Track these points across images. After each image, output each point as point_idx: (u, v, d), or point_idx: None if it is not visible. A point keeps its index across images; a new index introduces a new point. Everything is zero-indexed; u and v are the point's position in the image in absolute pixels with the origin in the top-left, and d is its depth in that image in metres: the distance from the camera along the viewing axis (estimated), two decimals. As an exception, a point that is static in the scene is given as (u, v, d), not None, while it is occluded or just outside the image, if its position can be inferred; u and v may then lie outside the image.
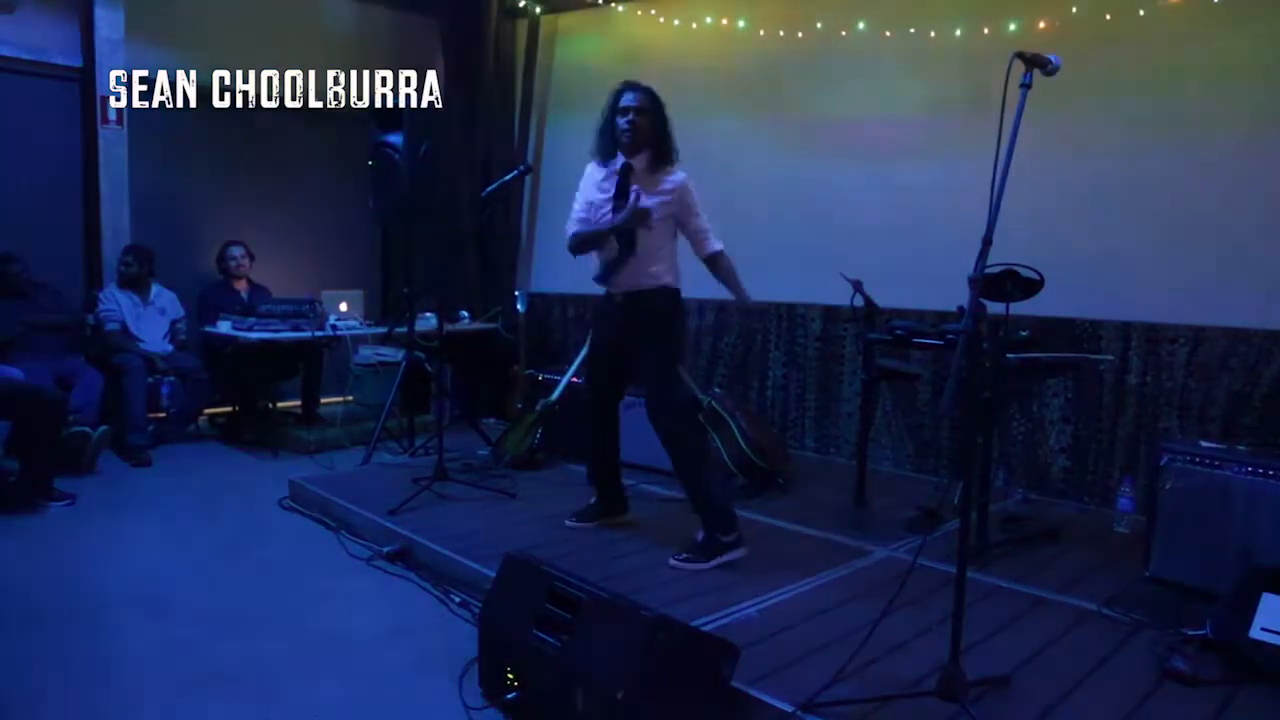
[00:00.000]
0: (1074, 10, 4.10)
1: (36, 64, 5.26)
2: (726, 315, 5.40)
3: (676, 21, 5.52)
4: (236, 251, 5.63)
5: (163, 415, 5.25)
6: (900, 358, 4.24)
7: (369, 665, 2.60)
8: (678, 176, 3.26)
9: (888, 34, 4.67)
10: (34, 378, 4.40)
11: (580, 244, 3.37)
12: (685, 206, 3.27)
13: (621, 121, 3.21)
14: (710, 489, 3.26)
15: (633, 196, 3.19)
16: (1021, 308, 3.26)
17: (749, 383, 5.36)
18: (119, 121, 5.42)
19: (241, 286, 5.66)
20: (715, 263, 3.35)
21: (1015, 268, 3.11)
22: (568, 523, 3.62)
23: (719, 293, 3.42)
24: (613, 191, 3.26)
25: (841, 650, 2.38)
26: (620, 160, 3.26)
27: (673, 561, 3.15)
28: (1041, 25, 4.19)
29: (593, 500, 3.66)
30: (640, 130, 3.20)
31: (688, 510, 3.35)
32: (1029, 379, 3.91)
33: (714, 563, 3.16)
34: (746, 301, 3.49)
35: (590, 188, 3.36)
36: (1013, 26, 4.27)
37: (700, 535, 3.23)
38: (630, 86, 3.26)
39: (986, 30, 4.35)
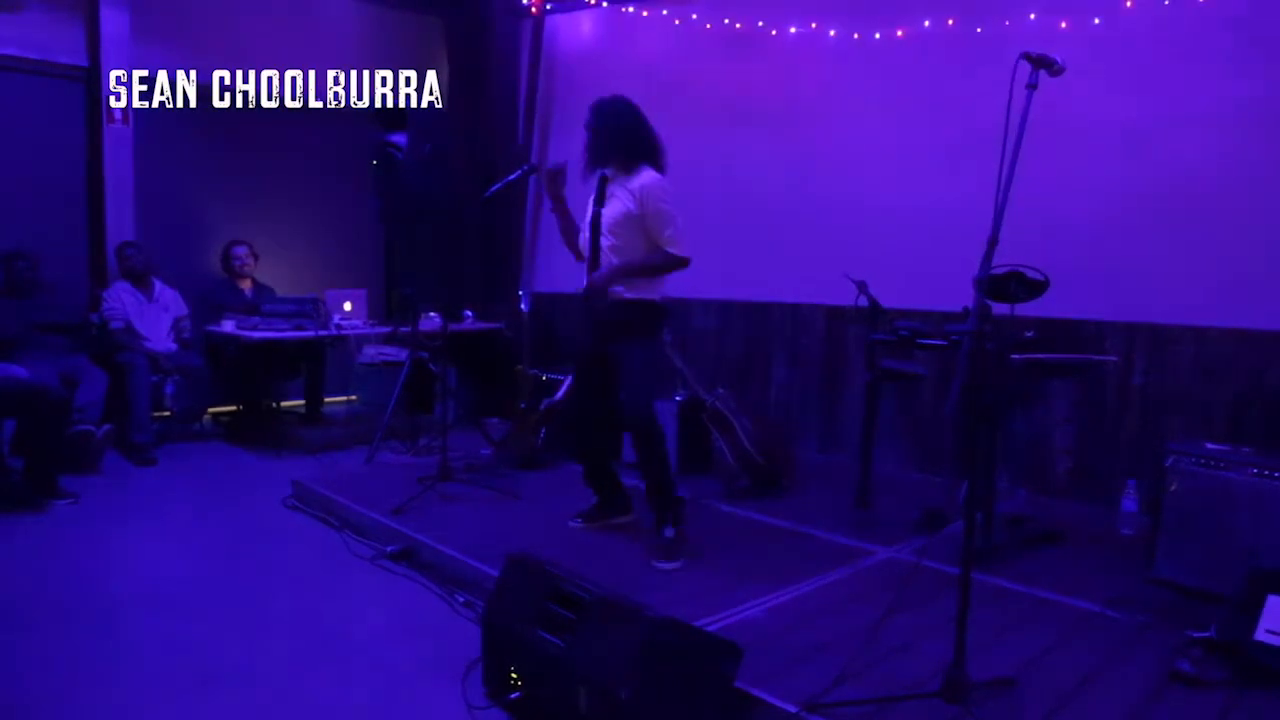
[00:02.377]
0: (1077, 9, 4.09)
1: (42, 63, 5.27)
2: (729, 316, 5.40)
3: (677, 22, 5.52)
4: (241, 251, 5.64)
5: (167, 414, 5.26)
6: (904, 359, 4.23)
7: (372, 665, 2.60)
8: (645, 177, 3.20)
9: (900, 33, 4.66)
10: (39, 377, 4.41)
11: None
12: (647, 207, 3.18)
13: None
14: (671, 483, 3.32)
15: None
16: (1026, 309, 3.25)
17: (752, 383, 5.36)
18: (124, 121, 5.43)
19: (246, 286, 5.67)
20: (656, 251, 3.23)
21: (1020, 269, 3.10)
22: (571, 523, 3.62)
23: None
24: (592, 200, 3.33)
25: (845, 651, 2.38)
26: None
27: (661, 566, 3.15)
28: (1046, 24, 4.19)
29: (595, 501, 3.67)
30: (593, 146, 3.27)
31: (688, 511, 3.35)
32: (1033, 380, 3.89)
33: (684, 557, 3.21)
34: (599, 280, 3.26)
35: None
36: (1016, 25, 4.26)
37: (670, 532, 3.26)
38: (593, 104, 3.31)
39: (992, 30, 4.34)
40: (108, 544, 3.60)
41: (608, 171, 3.30)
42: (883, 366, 3.79)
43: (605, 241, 3.28)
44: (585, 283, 3.33)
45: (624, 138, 3.25)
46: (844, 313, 4.84)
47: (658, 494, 3.31)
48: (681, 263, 3.23)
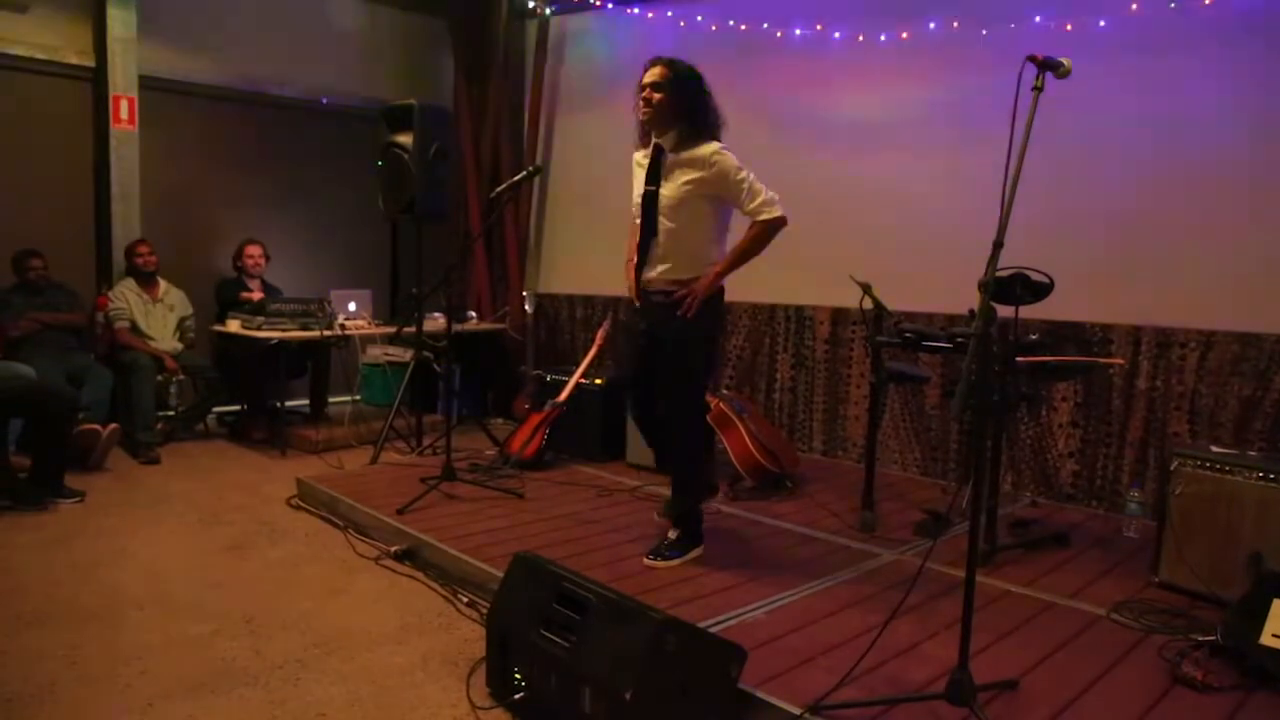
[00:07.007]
0: (1084, 14, 4.09)
1: (50, 63, 5.29)
2: (734, 316, 5.40)
3: (682, 23, 5.52)
4: (255, 250, 5.66)
5: (171, 413, 5.28)
6: (909, 361, 4.23)
7: (376, 664, 2.60)
8: (708, 147, 2.95)
9: (904, 35, 4.66)
10: (45, 376, 4.43)
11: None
12: (723, 178, 2.93)
13: (639, 100, 3.00)
14: (699, 491, 3.25)
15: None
16: (1031, 311, 3.25)
17: (757, 384, 5.36)
18: (130, 121, 5.45)
19: (255, 286, 5.68)
20: (749, 229, 3.00)
21: (1025, 271, 3.10)
22: (656, 517, 3.50)
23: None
24: (645, 174, 3.07)
25: (849, 653, 2.38)
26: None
27: (648, 560, 3.15)
28: (1050, 26, 4.19)
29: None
30: (657, 107, 2.96)
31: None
32: (1038, 383, 3.89)
33: (685, 558, 3.17)
34: (697, 289, 3.01)
35: (634, 171, 3.17)
36: (1022, 28, 4.26)
37: (674, 533, 3.22)
38: (652, 62, 3.00)
39: (995, 32, 4.34)
40: (112, 542, 3.61)
41: (663, 143, 3.01)
42: (888, 369, 3.79)
43: (664, 224, 3.01)
44: (637, 275, 3.06)
45: (699, 105, 2.97)
46: (849, 314, 4.84)
47: (682, 491, 3.22)
48: (781, 225, 2.97)
